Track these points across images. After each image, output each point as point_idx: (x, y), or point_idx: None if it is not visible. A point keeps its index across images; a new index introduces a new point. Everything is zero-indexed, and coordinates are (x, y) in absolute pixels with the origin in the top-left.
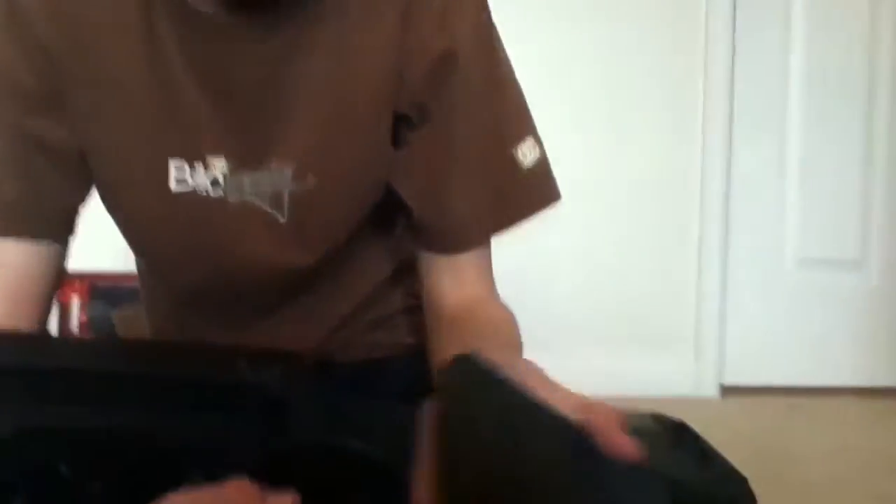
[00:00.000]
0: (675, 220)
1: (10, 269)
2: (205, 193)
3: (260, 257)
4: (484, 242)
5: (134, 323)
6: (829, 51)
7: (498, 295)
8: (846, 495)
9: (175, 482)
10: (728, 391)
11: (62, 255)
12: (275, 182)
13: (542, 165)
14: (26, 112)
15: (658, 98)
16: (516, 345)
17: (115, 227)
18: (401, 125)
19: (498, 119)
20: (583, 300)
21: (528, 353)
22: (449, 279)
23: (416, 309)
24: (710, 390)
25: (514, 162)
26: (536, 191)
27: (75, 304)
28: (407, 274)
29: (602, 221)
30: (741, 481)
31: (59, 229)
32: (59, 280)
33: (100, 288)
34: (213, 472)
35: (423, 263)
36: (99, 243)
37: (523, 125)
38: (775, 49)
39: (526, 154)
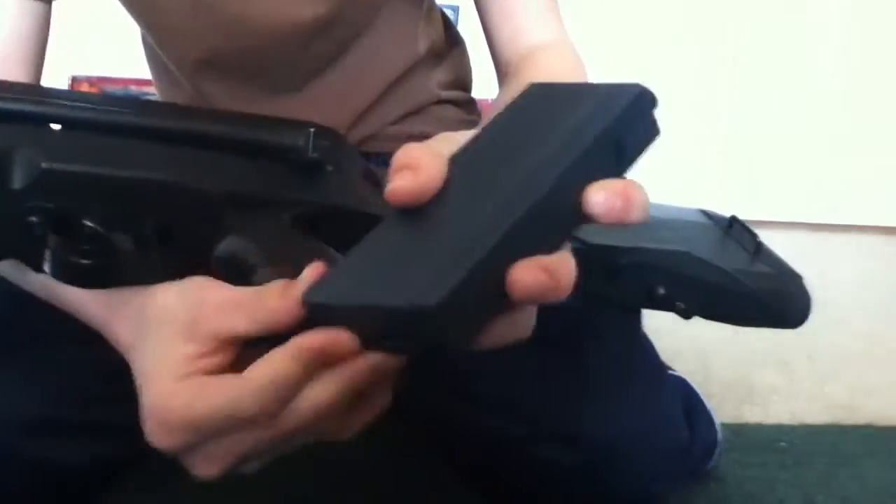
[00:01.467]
0: None
1: None
2: None
3: (268, 12)
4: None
5: None
6: None
7: (565, 39)
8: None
9: (207, 236)
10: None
11: (47, 16)
12: None
13: None
14: None
15: None
16: None
17: (122, 31)
18: None
19: None
20: None
21: None
22: (504, 26)
23: (454, 103)
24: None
25: None
26: None
27: None
28: (439, 59)
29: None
30: (797, 277)
31: None
32: (45, 43)
33: (110, 93)
34: (245, 226)
35: (480, 12)
36: (108, 48)
37: None
38: None
39: None
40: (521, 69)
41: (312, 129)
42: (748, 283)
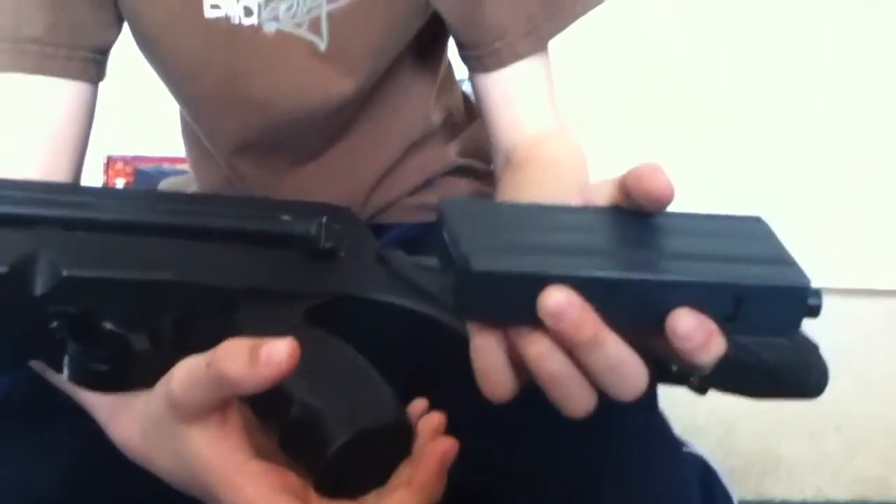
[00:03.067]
0: None
1: (44, 109)
2: (237, 21)
3: (301, 87)
4: (529, 51)
5: (182, 189)
6: None
7: (563, 126)
8: None
9: (221, 332)
10: None
11: (93, 97)
12: (311, 5)
13: None
14: None
15: None
16: (577, 181)
17: (156, 109)
18: None
19: None
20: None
21: None
22: (503, 113)
23: (467, 172)
24: None
25: None
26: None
27: (119, 186)
28: (456, 129)
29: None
30: (814, 346)
31: (91, 70)
32: (90, 124)
33: (144, 171)
34: (260, 321)
35: (478, 99)
36: (142, 127)
37: None
38: None
39: None
40: (527, 159)
41: (324, 219)
42: (764, 357)
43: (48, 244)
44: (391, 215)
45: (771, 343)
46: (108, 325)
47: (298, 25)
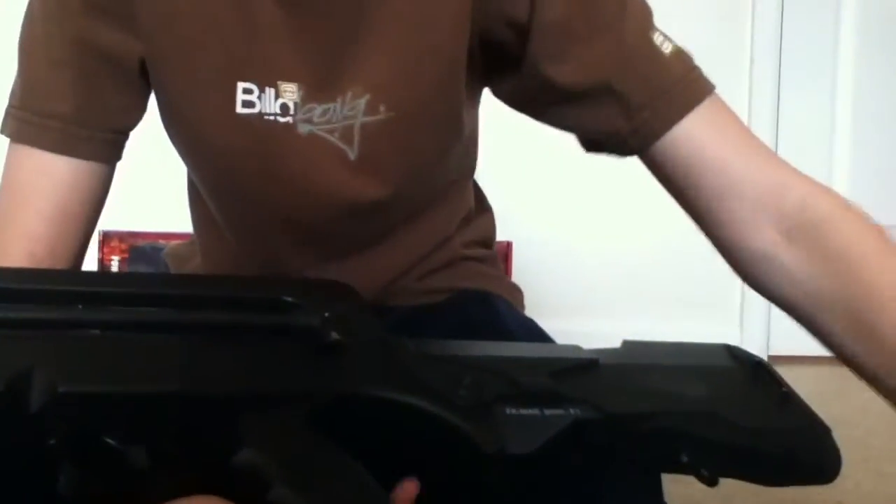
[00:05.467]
0: None
1: (59, 187)
2: (272, 119)
3: (325, 188)
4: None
5: (185, 258)
6: None
7: (786, 163)
8: None
9: (227, 444)
10: (774, 360)
11: (110, 177)
12: (347, 114)
13: (678, 53)
14: (87, 14)
15: (704, 42)
16: None
17: (153, 185)
18: (497, 53)
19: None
20: (627, 264)
21: (573, 317)
22: (704, 175)
23: (472, 258)
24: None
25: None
26: (687, 73)
27: (115, 263)
28: (468, 224)
29: (647, 180)
30: (825, 431)
31: (112, 151)
32: (103, 203)
33: (140, 248)
34: (263, 426)
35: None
36: (139, 203)
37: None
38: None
39: (659, 41)
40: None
41: (328, 313)
42: (777, 445)
43: (44, 356)
44: (396, 300)
45: (784, 429)
46: (107, 441)
47: (331, 132)
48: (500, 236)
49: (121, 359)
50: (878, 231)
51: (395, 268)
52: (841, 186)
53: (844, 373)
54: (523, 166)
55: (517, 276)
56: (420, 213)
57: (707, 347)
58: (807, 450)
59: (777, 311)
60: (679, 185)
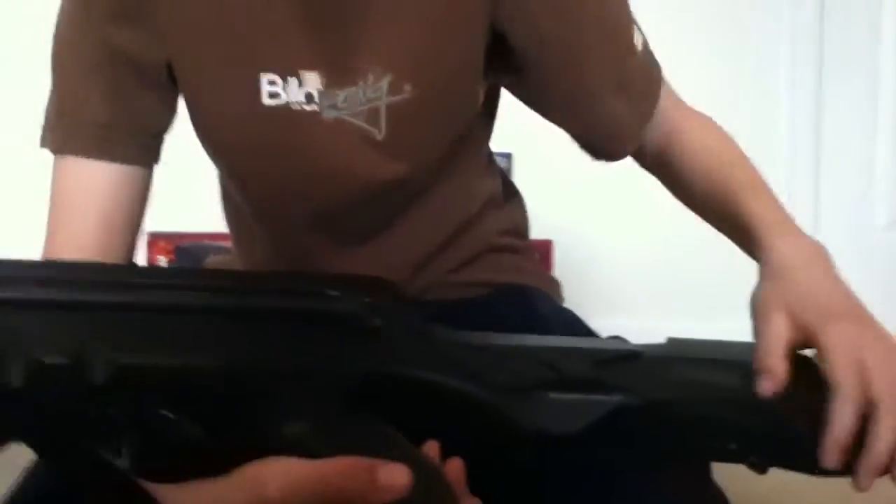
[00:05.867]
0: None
1: (101, 193)
2: (298, 108)
3: (355, 171)
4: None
5: (227, 267)
6: None
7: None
8: None
9: (266, 419)
10: None
11: (150, 181)
12: (371, 96)
13: (646, 45)
14: (112, 22)
15: (741, 37)
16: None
17: (197, 186)
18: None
19: (613, 15)
20: (671, 262)
21: (615, 315)
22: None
23: (506, 249)
24: None
25: (632, 49)
26: (652, 71)
27: (163, 263)
28: (497, 209)
29: None
30: None
31: (149, 154)
32: (145, 207)
33: (185, 248)
34: (301, 405)
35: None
36: (184, 203)
37: (627, 11)
38: None
39: (637, 40)
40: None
41: (369, 298)
42: (815, 434)
43: (103, 332)
44: (433, 294)
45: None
46: (164, 413)
47: (356, 115)
48: (541, 235)
49: (173, 337)
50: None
51: (422, 249)
52: (884, 185)
53: None
54: (563, 164)
55: (558, 274)
56: (436, 187)
57: (750, 345)
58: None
59: None
60: None
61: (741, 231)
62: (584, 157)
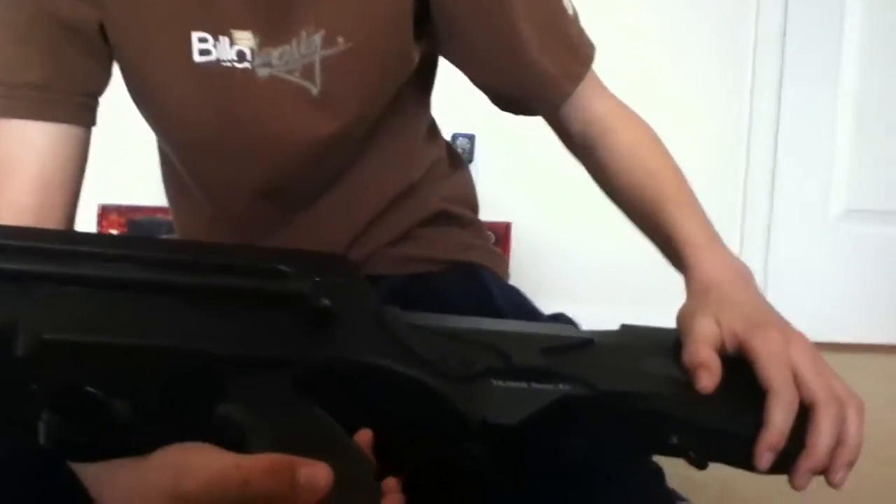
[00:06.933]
0: (721, 167)
1: (39, 154)
2: (229, 65)
3: (291, 129)
4: (570, 92)
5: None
6: None
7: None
8: None
9: (211, 400)
10: None
11: (87, 142)
12: (304, 52)
13: (576, 15)
14: None
15: (706, 32)
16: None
17: (151, 159)
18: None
19: None
20: (629, 249)
21: (571, 301)
22: (565, 120)
23: (452, 217)
24: None
25: (562, 10)
26: (583, 37)
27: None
28: (441, 178)
29: None
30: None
31: (84, 115)
32: (84, 168)
33: (137, 221)
34: (248, 389)
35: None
36: (137, 176)
37: None
38: None
39: (567, 5)
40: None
41: (320, 278)
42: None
43: (31, 304)
44: (373, 267)
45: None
46: (90, 391)
47: (290, 72)
48: (501, 217)
49: (108, 313)
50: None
51: (362, 215)
52: (841, 175)
53: (847, 361)
54: (526, 147)
55: (516, 258)
56: (374, 147)
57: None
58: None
59: (780, 301)
60: None
61: (666, 244)
62: (547, 141)
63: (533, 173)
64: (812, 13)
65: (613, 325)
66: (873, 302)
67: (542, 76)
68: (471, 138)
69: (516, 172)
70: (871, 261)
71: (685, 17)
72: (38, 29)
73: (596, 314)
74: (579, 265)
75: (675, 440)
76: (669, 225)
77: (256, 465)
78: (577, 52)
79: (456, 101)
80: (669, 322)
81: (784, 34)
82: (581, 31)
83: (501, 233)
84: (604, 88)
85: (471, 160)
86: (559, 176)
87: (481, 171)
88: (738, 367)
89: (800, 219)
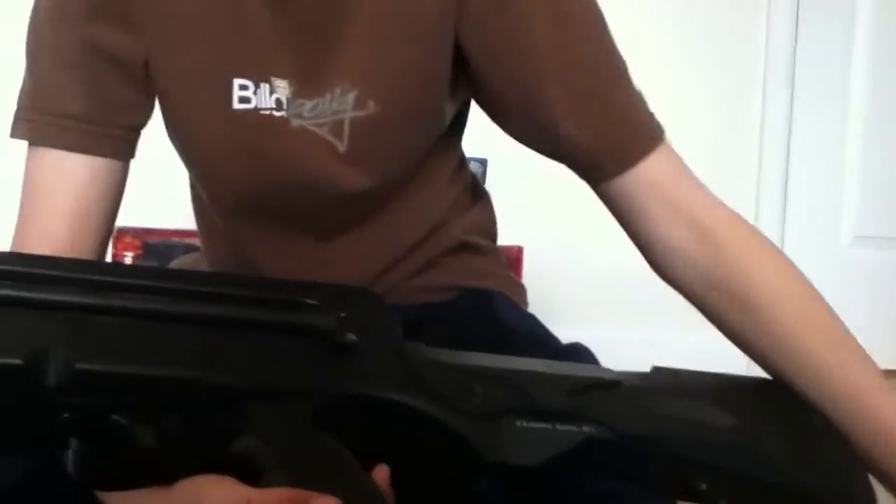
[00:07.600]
0: (732, 193)
1: (76, 184)
2: (267, 113)
3: (318, 179)
4: (652, 142)
5: (195, 268)
6: None
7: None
8: None
9: (232, 430)
10: None
11: (125, 176)
12: (336, 109)
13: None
14: (92, 16)
15: (716, 60)
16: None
17: (167, 182)
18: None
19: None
20: (643, 271)
21: (567, 322)
22: (649, 204)
23: (471, 248)
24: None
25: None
26: (640, 116)
27: (129, 259)
28: (463, 211)
29: None
30: (861, 468)
31: (125, 148)
32: (119, 201)
33: (152, 244)
34: (265, 416)
35: (613, 206)
36: (152, 199)
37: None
38: (840, 14)
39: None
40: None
41: (344, 313)
42: (805, 481)
43: (62, 334)
44: (393, 298)
45: (813, 461)
46: (116, 419)
47: (320, 126)
48: (513, 241)
49: (136, 343)
50: (763, 240)
51: (387, 252)
52: (851, 201)
53: None
54: (538, 171)
55: (527, 282)
56: (410, 200)
57: (734, 377)
58: (836, 489)
59: None
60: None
61: (840, 401)
62: (559, 166)
63: (545, 198)
64: (821, 38)
65: (627, 349)
66: (885, 328)
67: (575, 152)
68: (483, 162)
69: (528, 197)
70: (882, 286)
71: (692, 47)
72: (83, 56)
73: (609, 338)
74: (592, 289)
75: (703, 486)
76: (853, 390)
77: (269, 498)
78: (622, 133)
79: (468, 126)
80: (684, 344)
81: (794, 60)
82: (635, 109)
83: (513, 257)
84: (707, 193)
85: (483, 184)
86: (571, 200)
87: (493, 196)
88: (789, 411)
89: (811, 245)
